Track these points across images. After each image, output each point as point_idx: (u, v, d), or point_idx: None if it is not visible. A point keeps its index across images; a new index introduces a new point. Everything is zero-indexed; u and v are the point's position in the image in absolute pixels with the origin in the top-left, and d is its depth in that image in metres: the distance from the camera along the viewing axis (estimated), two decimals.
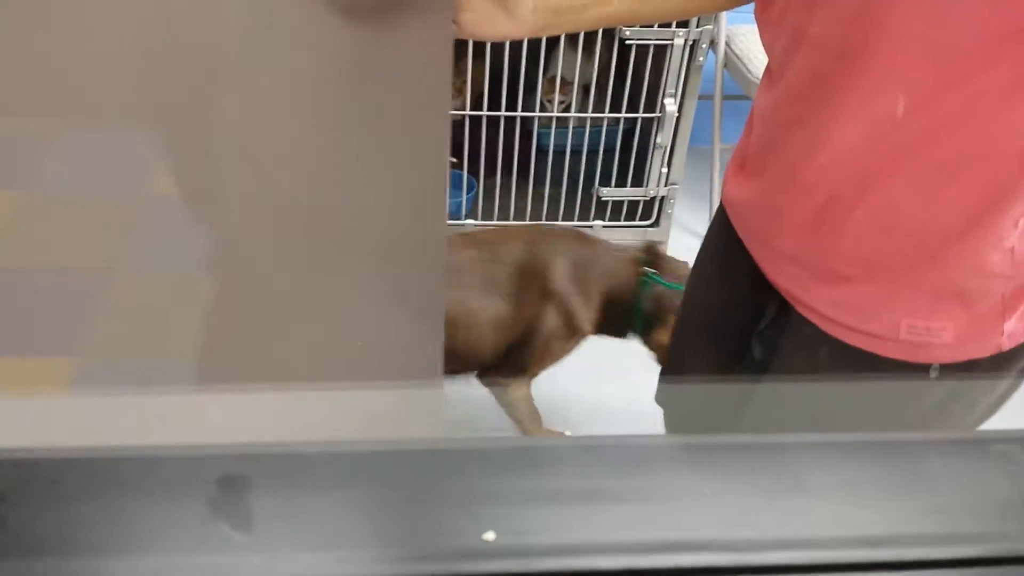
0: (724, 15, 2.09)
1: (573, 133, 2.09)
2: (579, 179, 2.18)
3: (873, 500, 0.43)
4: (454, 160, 2.16)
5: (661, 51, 1.98)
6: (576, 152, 2.12)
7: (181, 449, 0.40)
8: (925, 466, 0.45)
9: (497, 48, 1.93)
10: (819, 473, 0.44)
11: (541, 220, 2.16)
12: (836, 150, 0.77)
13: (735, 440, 0.46)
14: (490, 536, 0.38)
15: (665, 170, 2.13)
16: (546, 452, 0.43)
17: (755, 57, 2.16)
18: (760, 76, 0.90)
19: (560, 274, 1.52)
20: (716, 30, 2.03)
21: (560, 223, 2.17)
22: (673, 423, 1.30)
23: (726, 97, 2.28)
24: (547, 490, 0.41)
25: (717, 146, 2.39)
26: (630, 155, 2.16)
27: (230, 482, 0.40)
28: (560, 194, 2.17)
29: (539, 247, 1.54)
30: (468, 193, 2.15)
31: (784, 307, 0.93)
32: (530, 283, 1.52)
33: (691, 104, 2.05)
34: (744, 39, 2.30)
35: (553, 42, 2.11)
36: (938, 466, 0.45)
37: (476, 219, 2.15)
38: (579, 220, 2.18)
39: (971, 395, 0.89)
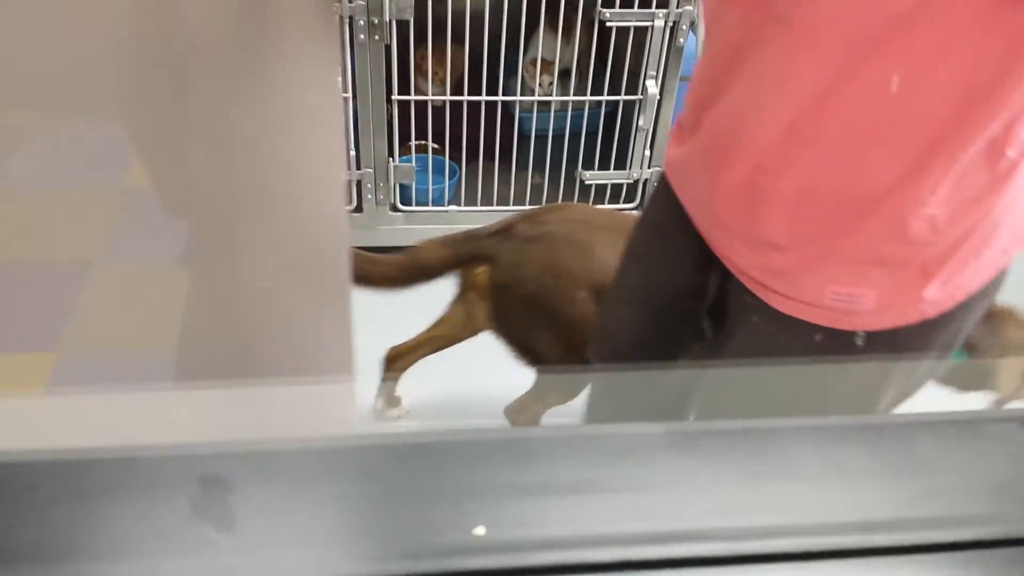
0: None
1: (555, 117, 2.07)
2: (562, 163, 2.16)
3: (866, 484, 0.42)
4: (435, 146, 2.15)
5: (641, 33, 1.96)
6: (558, 136, 2.10)
7: (158, 449, 0.39)
8: (919, 448, 0.45)
9: (476, 32, 1.91)
10: (810, 458, 0.43)
11: (525, 205, 2.15)
12: (761, 120, 0.78)
13: (722, 426, 0.45)
14: (480, 531, 0.37)
15: (648, 152, 2.12)
16: (534, 443, 0.43)
17: None
18: None
19: None
20: (696, 11, 2.01)
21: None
22: (598, 399, 1.29)
23: None
24: (537, 482, 0.40)
25: None
26: (613, 138, 2.14)
27: (211, 481, 0.39)
28: (543, 178, 2.16)
29: None
30: (451, 179, 2.14)
31: (726, 275, 0.93)
32: None
33: (673, 86, 2.04)
34: None
35: (532, 25, 2.10)
36: (933, 448, 0.44)
37: (459, 205, 2.13)
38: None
39: (904, 363, 0.89)
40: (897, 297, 0.82)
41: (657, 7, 1.92)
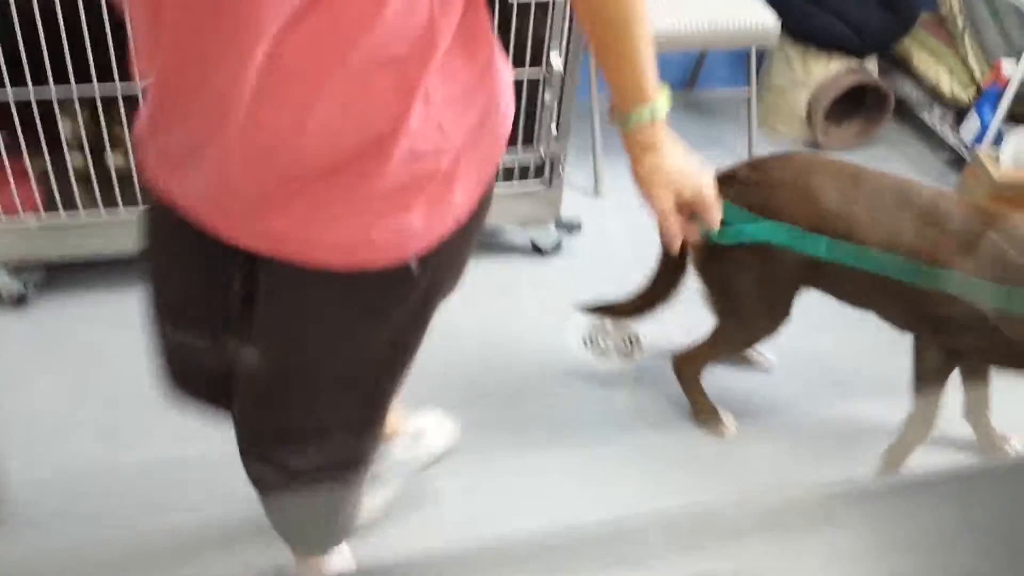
0: None
1: None
2: None
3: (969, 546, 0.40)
4: None
5: (543, 8, 1.92)
6: None
7: None
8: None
9: None
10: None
11: None
12: (227, 98, 0.77)
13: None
14: None
15: (555, 129, 2.08)
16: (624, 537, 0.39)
17: None
18: None
19: None
20: None
21: None
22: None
23: None
24: None
25: (595, 98, 2.40)
26: (519, 116, 2.09)
27: None
28: None
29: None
30: None
31: (255, 264, 0.92)
32: None
33: (576, 60, 2.00)
34: None
35: None
36: None
37: None
38: None
39: (446, 270, 0.96)
40: (435, 208, 0.86)
41: None
